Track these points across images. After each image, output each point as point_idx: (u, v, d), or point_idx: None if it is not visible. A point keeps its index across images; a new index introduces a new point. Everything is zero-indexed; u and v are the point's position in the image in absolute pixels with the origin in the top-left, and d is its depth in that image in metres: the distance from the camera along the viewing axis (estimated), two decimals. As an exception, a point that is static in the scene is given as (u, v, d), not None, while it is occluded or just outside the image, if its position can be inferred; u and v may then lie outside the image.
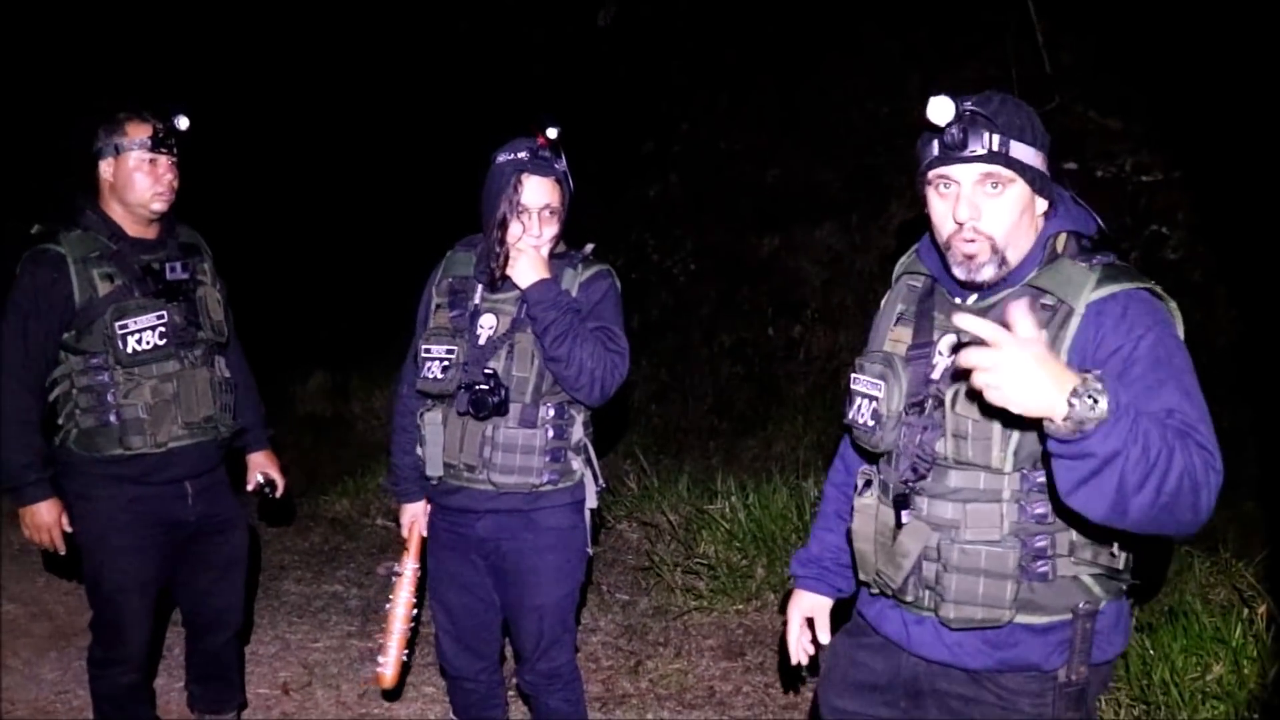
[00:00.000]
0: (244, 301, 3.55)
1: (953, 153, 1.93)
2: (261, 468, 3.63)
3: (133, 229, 3.19)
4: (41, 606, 5.02)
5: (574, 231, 3.00)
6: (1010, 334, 1.61)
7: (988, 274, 1.98)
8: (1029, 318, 1.63)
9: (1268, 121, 4.93)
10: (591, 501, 3.00)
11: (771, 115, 8.06)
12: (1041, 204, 2.00)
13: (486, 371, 2.83)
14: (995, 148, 1.90)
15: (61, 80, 10.26)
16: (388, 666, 3.23)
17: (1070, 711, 2.00)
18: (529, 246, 2.82)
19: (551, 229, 2.86)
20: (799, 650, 2.50)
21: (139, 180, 3.12)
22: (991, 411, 1.78)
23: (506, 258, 2.83)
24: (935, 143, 1.97)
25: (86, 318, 3.07)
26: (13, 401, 3.08)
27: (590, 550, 3.06)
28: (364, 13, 11.06)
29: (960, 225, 1.96)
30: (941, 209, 2.01)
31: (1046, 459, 1.76)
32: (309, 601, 5.15)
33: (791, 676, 4.01)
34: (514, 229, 2.81)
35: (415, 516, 3.19)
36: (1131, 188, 6.80)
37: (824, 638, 2.47)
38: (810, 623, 2.50)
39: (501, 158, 2.82)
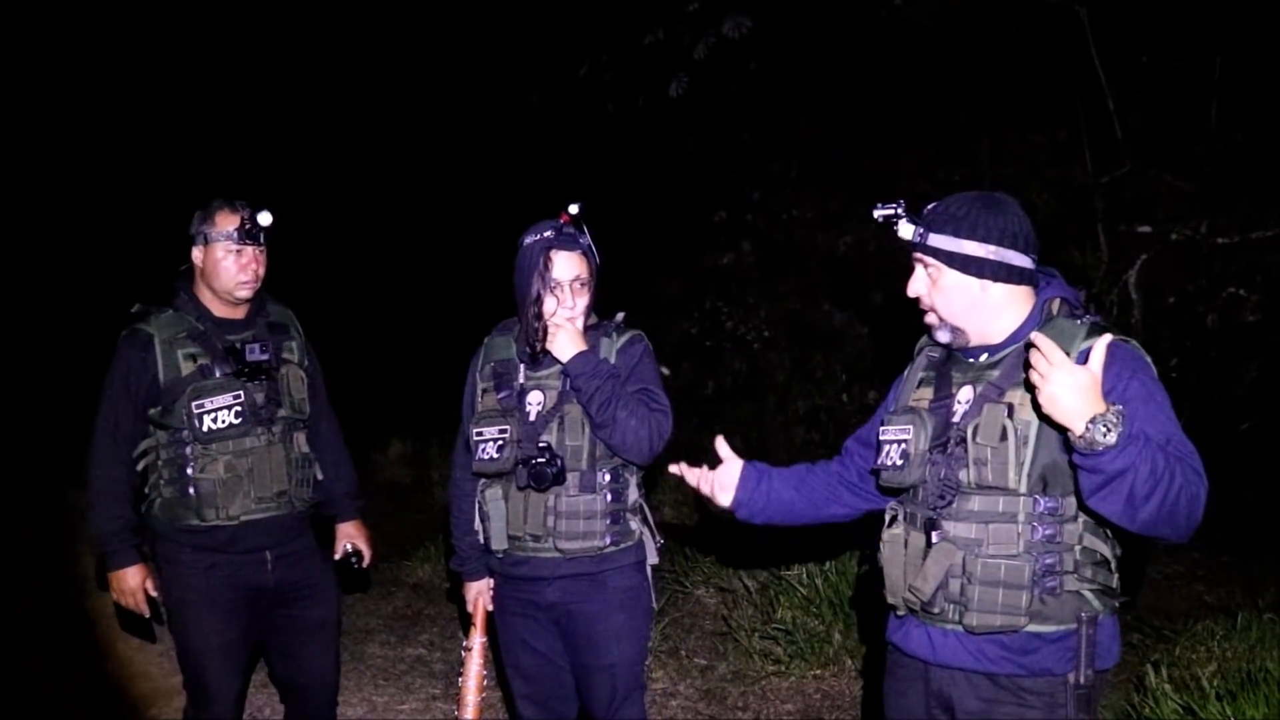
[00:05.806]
0: (326, 371, 3.66)
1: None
2: (349, 538, 3.70)
3: (220, 310, 3.33)
4: (137, 667, 5.18)
5: (649, 301, 3.11)
6: (1068, 360, 2.01)
7: (943, 337, 2.37)
8: (1056, 349, 2.00)
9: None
10: (653, 558, 3.11)
11: (843, 183, 8.15)
12: (997, 287, 2.29)
13: (541, 445, 2.94)
14: (910, 238, 2.32)
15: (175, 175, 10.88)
16: None
17: (1080, 713, 2.23)
18: (564, 320, 2.96)
19: (583, 300, 2.99)
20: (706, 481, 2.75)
21: (225, 269, 3.26)
22: (1005, 437, 2.18)
23: (545, 332, 2.95)
24: None
25: (170, 395, 3.22)
26: (104, 472, 3.25)
27: (655, 606, 3.16)
28: (439, 93, 11.42)
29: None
30: None
31: (1055, 482, 2.18)
32: (394, 665, 5.26)
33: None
34: (548, 304, 2.95)
35: (480, 593, 3.29)
36: (1207, 250, 6.76)
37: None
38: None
39: (529, 239, 2.96)
